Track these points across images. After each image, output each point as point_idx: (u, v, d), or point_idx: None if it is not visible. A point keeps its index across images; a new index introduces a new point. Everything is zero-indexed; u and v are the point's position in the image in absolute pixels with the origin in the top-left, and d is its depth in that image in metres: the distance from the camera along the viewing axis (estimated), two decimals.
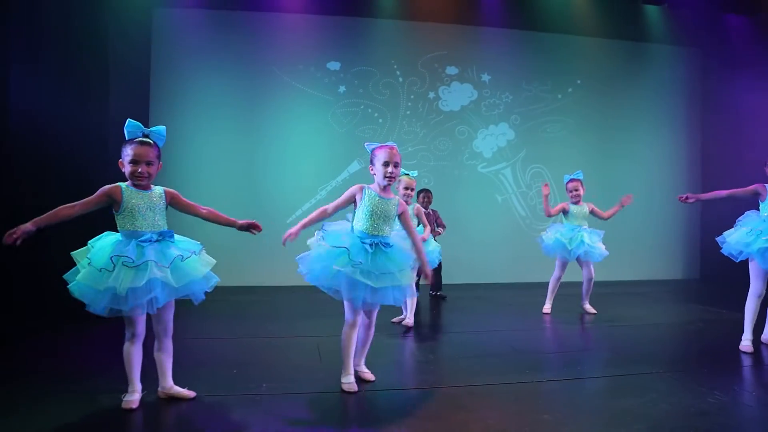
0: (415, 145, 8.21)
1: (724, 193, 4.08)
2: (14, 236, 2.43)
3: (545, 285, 5.68)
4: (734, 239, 4.01)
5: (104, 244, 2.70)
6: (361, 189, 3.13)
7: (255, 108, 7.74)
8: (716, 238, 4.19)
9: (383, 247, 3.00)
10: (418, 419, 2.68)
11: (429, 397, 3.02)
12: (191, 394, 2.89)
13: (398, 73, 8.19)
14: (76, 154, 4.80)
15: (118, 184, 2.75)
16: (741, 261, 4.02)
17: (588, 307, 5.57)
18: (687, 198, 4.10)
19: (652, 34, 8.29)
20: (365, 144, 3.32)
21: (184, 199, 2.90)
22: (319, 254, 2.98)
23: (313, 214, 3.12)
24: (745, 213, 4.15)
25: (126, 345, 2.74)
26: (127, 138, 2.75)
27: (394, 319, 4.92)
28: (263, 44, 7.75)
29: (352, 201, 3.16)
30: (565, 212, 5.50)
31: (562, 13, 7.95)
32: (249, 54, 7.68)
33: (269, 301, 6.33)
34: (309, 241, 3.11)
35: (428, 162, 8.22)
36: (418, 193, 6.00)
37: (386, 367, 3.52)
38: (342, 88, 8.02)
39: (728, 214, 4.21)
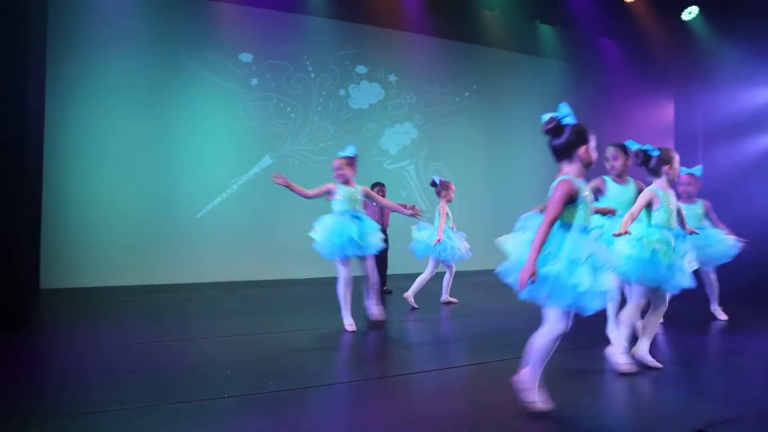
0: (326, 141, 8.36)
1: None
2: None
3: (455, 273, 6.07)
4: None
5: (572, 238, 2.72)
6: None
7: (163, 97, 7.30)
8: None
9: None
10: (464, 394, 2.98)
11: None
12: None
13: (310, 68, 8.26)
14: None
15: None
16: None
17: (448, 299, 5.99)
18: None
19: (542, 50, 9.33)
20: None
21: None
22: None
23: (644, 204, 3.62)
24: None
25: None
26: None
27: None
28: (173, 30, 7.33)
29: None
30: None
31: (469, 24, 8.61)
32: (157, 40, 7.22)
33: (186, 300, 6.09)
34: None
35: None
36: (372, 186, 6.03)
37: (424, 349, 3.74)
38: (254, 81, 7.89)
39: None
